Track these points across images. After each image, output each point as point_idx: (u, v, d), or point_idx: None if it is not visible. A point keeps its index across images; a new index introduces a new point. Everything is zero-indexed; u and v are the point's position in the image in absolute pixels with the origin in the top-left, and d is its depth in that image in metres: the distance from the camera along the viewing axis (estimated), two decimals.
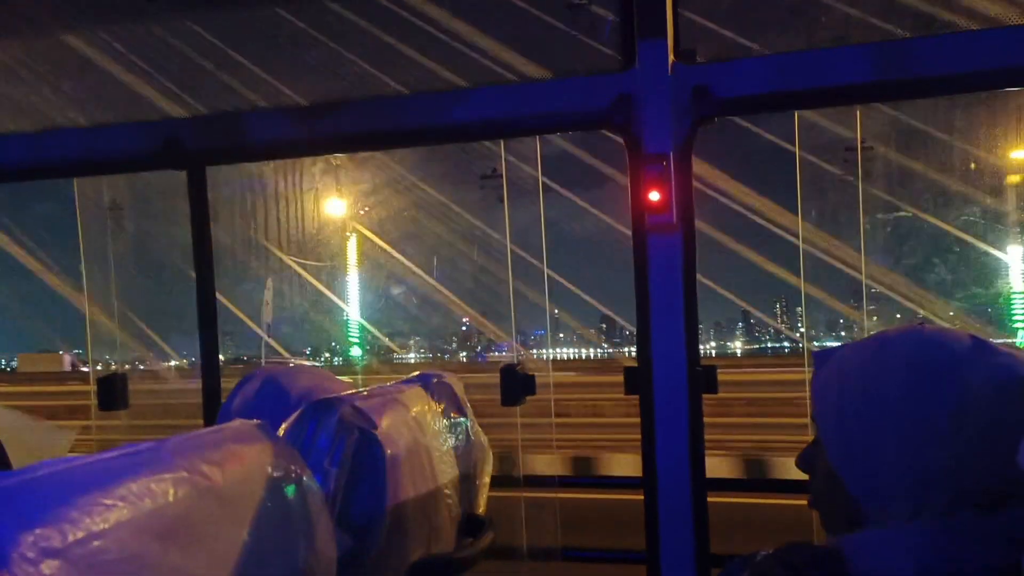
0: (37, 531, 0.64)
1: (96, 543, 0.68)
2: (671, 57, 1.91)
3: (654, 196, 1.88)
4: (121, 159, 2.30)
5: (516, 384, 2.17)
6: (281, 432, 1.32)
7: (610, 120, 1.96)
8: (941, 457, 0.92)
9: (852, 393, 1.00)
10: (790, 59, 1.85)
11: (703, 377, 1.94)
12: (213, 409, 2.31)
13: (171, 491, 0.79)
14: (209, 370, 2.36)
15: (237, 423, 0.98)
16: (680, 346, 1.93)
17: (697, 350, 1.94)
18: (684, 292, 1.93)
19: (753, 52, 1.89)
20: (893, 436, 0.95)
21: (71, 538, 0.66)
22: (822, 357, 1.09)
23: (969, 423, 0.92)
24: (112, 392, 2.41)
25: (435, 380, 1.71)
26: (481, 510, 1.77)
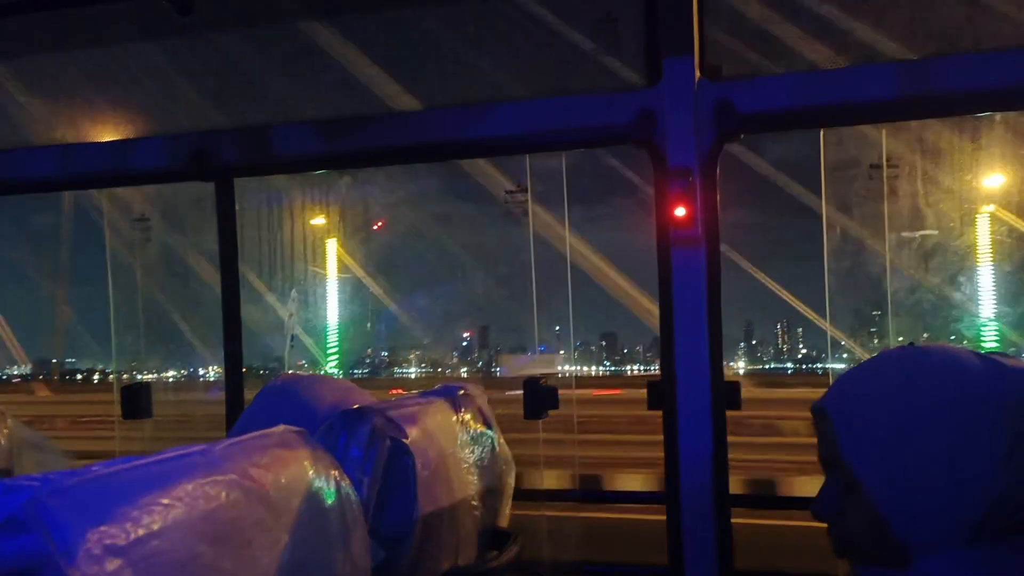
0: (102, 528, 0.66)
1: (156, 542, 0.70)
2: (697, 73, 1.93)
3: (679, 211, 1.89)
4: (150, 171, 2.33)
5: (539, 397, 2.18)
6: None
7: (635, 135, 1.98)
8: (996, 488, 0.90)
9: (894, 436, 0.95)
10: (815, 76, 1.87)
11: (727, 393, 1.95)
12: (236, 419, 2.32)
13: (223, 494, 0.80)
14: (233, 380, 2.38)
15: (280, 429, 0.99)
16: (704, 361, 1.93)
17: (721, 365, 1.95)
18: (708, 306, 1.94)
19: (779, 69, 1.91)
20: (948, 473, 0.91)
21: (133, 536, 0.68)
22: (831, 394, 1.03)
23: (1021, 449, 0.90)
24: (137, 401, 2.43)
25: (461, 391, 1.72)
26: (505, 523, 1.77)
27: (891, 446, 0.95)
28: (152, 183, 2.47)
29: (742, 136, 1.94)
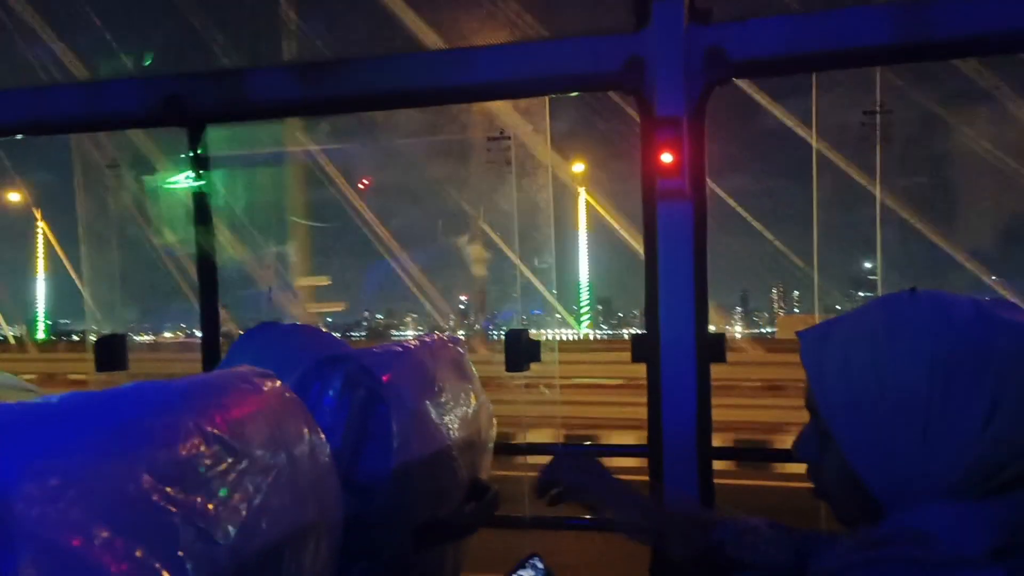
0: (47, 460, 0.62)
1: (103, 478, 0.65)
2: (686, 17, 1.86)
3: (666, 158, 1.84)
4: (121, 116, 2.25)
5: (521, 350, 2.15)
6: None
7: (622, 82, 1.91)
8: (975, 446, 0.85)
9: (870, 388, 0.89)
10: (808, 19, 1.81)
11: (711, 346, 1.92)
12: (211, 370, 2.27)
13: (179, 432, 0.76)
14: (209, 334, 2.33)
15: (246, 369, 0.95)
16: (689, 314, 1.90)
17: (706, 318, 1.91)
18: (694, 259, 1.90)
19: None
20: (923, 435, 0.86)
21: (79, 470, 0.63)
22: (812, 335, 0.97)
23: (1004, 406, 0.85)
24: (111, 353, 2.37)
25: (440, 342, 1.68)
26: (484, 475, 1.74)
27: (864, 400, 0.89)
28: (123, 128, 2.38)
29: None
